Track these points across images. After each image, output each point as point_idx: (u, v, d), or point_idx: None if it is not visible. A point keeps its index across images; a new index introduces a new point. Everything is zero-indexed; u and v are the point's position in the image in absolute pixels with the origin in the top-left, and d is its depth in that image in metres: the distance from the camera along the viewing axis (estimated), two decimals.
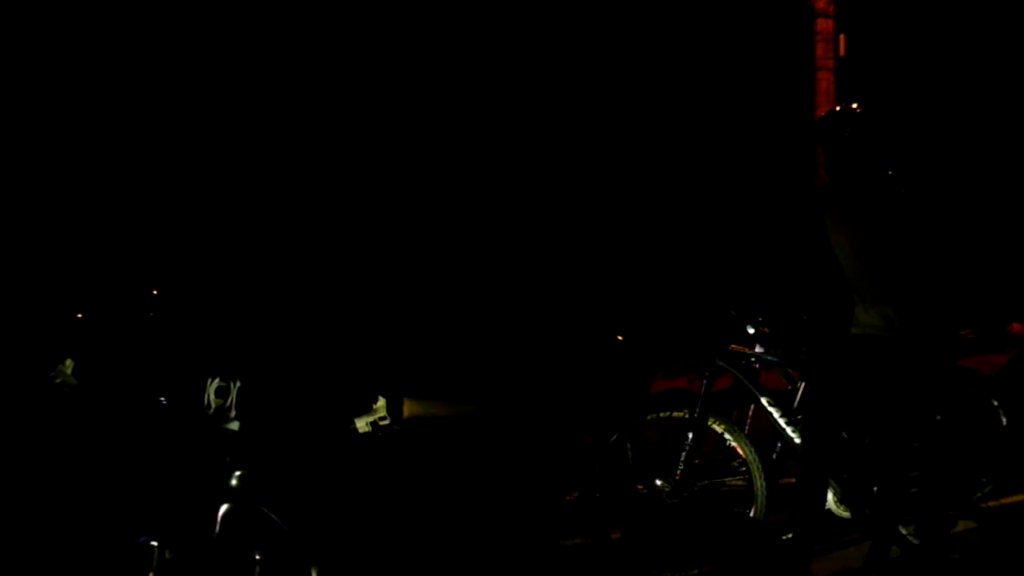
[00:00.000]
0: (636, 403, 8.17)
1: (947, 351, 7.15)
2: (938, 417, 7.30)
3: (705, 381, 7.32)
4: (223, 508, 5.12)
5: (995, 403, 7.71)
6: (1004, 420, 7.68)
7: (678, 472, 7.20)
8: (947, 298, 6.90)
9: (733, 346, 7.41)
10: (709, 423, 7.27)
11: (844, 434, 6.92)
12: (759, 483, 7.22)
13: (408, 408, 5.06)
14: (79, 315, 6.31)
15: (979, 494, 7.53)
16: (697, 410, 7.22)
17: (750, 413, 7.69)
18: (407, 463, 5.58)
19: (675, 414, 7.37)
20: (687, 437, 7.21)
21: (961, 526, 7.32)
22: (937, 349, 6.97)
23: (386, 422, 5.03)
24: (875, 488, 6.96)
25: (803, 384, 7.30)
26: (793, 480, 6.94)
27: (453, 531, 6.05)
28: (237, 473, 5.15)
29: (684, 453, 7.19)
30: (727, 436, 7.32)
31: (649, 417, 7.42)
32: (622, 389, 8.82)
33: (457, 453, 5.95)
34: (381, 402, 5.05)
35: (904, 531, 7.01)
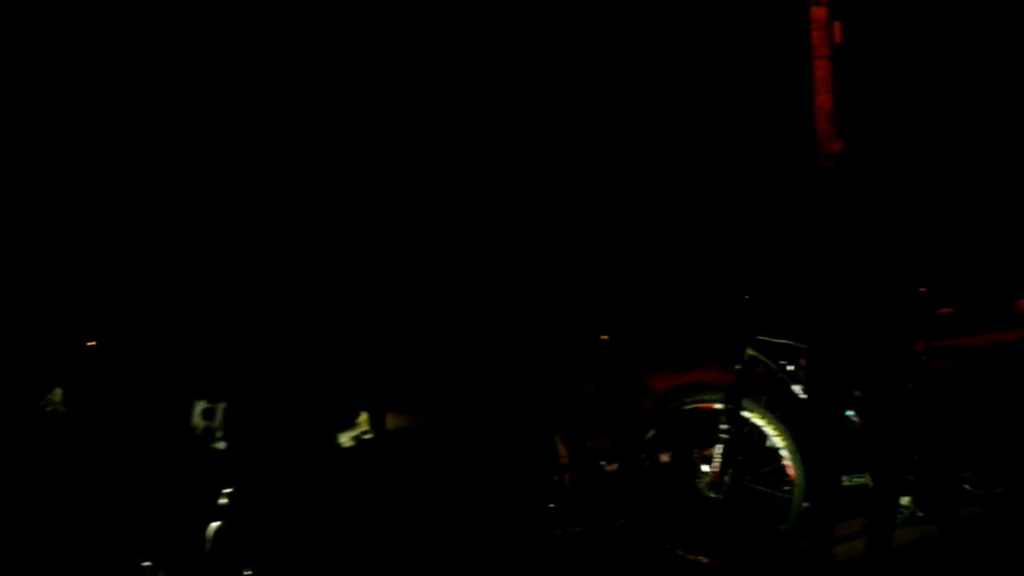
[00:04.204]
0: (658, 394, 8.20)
1: (946, 328, 7.21)
2: (940, 394, 7.32)
3: (739, 367, 7.33)
4: (213, 526, 5.22)
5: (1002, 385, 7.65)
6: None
7: (715, 461, 7.22)
8: (948, 276, 6.96)
9: (762, 336, 7.43)
10: (743, 412, 7.25)
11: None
12: (798, 469, 7.20)
13: (390, 421, 5.16)
14: (67, 344, 6.41)
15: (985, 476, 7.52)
16: (731, 399, 7.23)
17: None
18: (392, 475, 5.68)
19: (700, 405, 7.40)
20: (721, 427, 7.21)
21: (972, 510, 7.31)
22: (938, 325, 7.03)
23: (369, 436, 5.14)
24: (875, 465, 6.99)
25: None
26: None
27: (440, 537, 6.14)
28: (226, 491, 5.24)
29: (722, 445, 7.20)
30: (761, 421, 7.30)
31: (686, 407, 7.43)
32: (612, 387, 8.88)
33: (440, 463, 6.04)
34: (364, 417, 5.16)
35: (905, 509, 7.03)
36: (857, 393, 6.97)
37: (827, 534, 6.73)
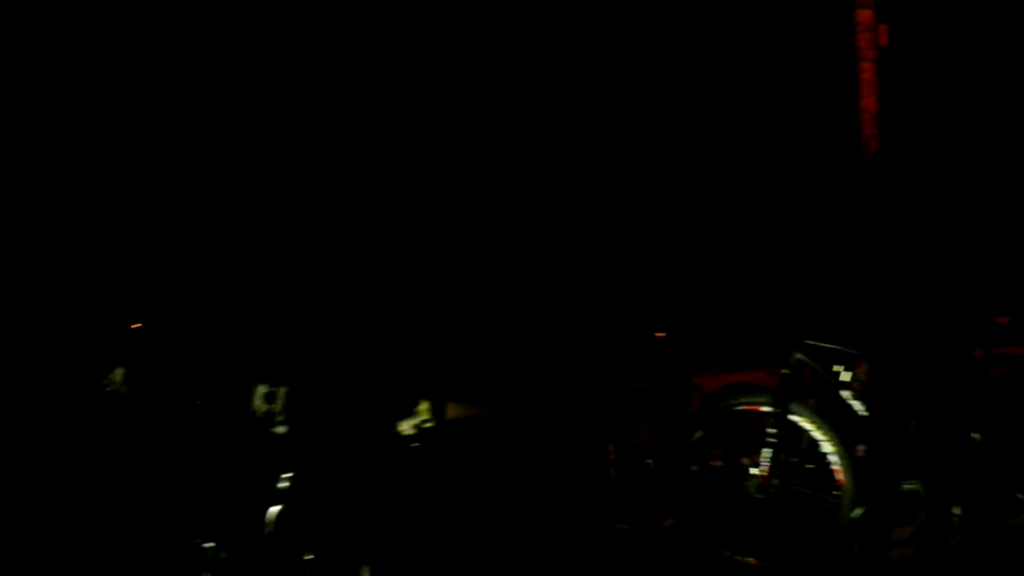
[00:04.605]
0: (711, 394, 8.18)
1: (1004, 336, 7.19)
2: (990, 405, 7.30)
3: (787, 373, 7.33)
4: (274, 510, 5.24)
5: None
6: None
7: (763, 464, 7.22)
8: (1004, 284, 6.94)
9: (810, 340, 7.42)
10: (791, 415, 7.25)
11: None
12: (846, 474, 7.19)
13: (451, 410, 5.17)
14: (128, 325, 6.45)
15: None
16: (779, 403, 7.23)
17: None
18: (450, 463, 5.69)
19: (748, 407, 7.40)
20: (769, 430, 7.21)
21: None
22: (996, 333, 7.01)
23: (429, 424, 5.15)
24: (929, 472, 6.97)
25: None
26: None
27: (497, 527, 6.15)
28: (286, 476, 5.26)
29: (768, 447, 7.20)
30: (808, 426, 7.30)
31: (734, 408, 7.43)
32: (661, 385, 8.87)
33: (498, 453, 6.05)
34: (424, 405, 5.17)
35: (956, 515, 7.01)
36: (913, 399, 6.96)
37: (883, 540, 6.71)
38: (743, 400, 7.50)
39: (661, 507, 7.98)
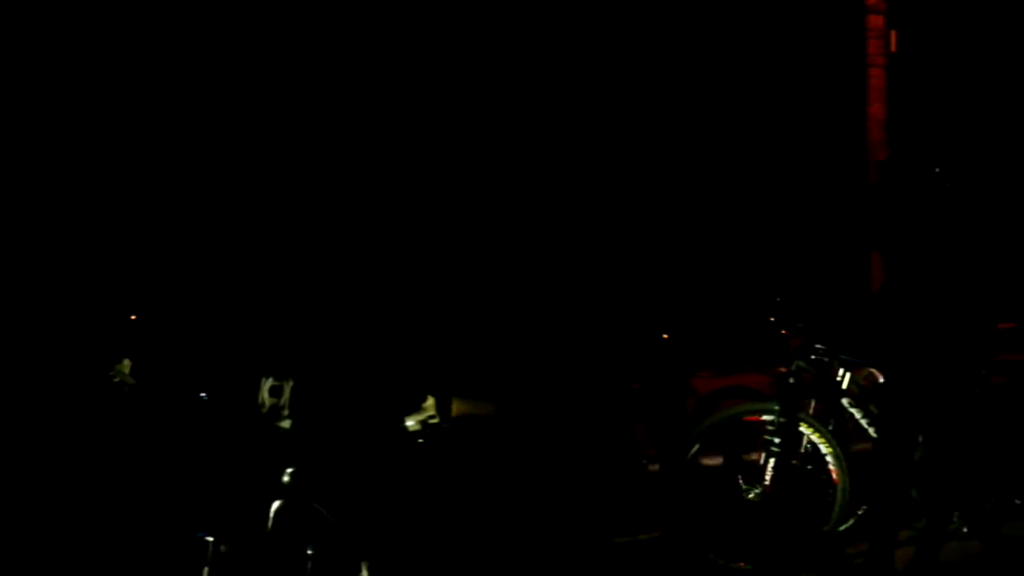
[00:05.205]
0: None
1: (1007, 342, 7.20)
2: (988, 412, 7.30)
3: (792, 380, 7.39)
4: (276, 504, 5.24)
5: None
6: None
7: (767, 472, 7.26)
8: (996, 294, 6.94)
9: (812, 350, 7.47)
10: (794, 423, 7.30)
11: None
12: (843, 479, 7.24)
13: (456, 407, 5.17)
14: (135, 316, 6.45)
15: None
16: (784, 412, 7.27)
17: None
18: (456, 461, 5.70)
19: (748, 417, 7.45)
20: (772, 440, 7.26)
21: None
22: (999, 339, 7.02)
23: (435, 421, 5.15)
24: (928, 478, 6.98)
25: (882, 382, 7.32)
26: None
27: (501, 527, 6.16)
28: (289, 470, 5.26)
29: (772, 456, 7.24)
30: (808, 431, 7.35)
31: (734, 419, 7.49)
32: (659, 387, 8.91)
33: (504, 451, 6.06)
34: (430, 401, 5.17)
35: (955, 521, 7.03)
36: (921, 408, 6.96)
37: (889, 545, 6.74)
38: (746, 410, 7.55)
39: (654, 510, 8.01)
